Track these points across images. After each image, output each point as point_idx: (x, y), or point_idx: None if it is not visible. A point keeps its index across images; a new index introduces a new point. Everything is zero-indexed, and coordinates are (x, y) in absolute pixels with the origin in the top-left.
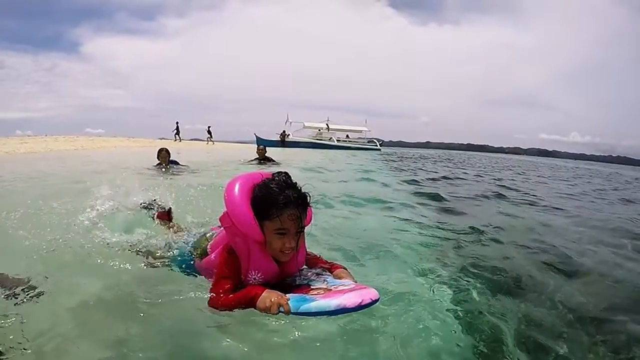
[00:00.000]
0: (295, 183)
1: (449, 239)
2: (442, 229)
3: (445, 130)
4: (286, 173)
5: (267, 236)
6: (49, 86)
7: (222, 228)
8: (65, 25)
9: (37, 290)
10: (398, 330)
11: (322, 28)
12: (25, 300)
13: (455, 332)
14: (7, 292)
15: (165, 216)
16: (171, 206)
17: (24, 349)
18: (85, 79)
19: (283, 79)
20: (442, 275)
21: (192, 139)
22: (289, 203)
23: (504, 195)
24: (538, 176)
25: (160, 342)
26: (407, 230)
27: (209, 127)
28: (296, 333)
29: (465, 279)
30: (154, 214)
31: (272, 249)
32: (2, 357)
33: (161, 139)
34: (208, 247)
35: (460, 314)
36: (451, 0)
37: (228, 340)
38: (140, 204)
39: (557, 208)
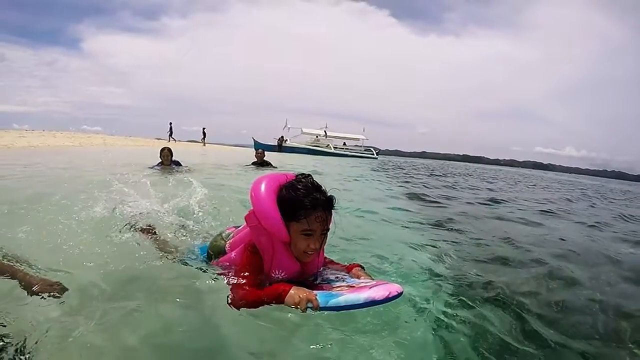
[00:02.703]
0: (320, 186)
1: (447, 241)
2: (440, 231)
3: (442, 140)
4: (310, 175)
5: (292, 236)
6: (48, 81)
7: (239, 228)
8: (67, 20)
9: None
10: (398, 328)
11: (323, 34)
12: (35, 295)
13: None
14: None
15: (147, 232)
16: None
17: (31, 343)
18: (85, 75)
19: (283, 83)
20: (441, 274)
21: (189, 141)
22: (317, 205)
23: (498, 201)
24: (532, 185)
25: (176, 339)
26: (405, 232)
27: (203, 128)
28: (294, 334)
29: (462, 274)
30: (140, 228)
31: (297, 249)
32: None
33: (158, 139)
34: (227, 245)
35: (459, 308)
36: (452, 13)
37: (245, 335)
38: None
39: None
